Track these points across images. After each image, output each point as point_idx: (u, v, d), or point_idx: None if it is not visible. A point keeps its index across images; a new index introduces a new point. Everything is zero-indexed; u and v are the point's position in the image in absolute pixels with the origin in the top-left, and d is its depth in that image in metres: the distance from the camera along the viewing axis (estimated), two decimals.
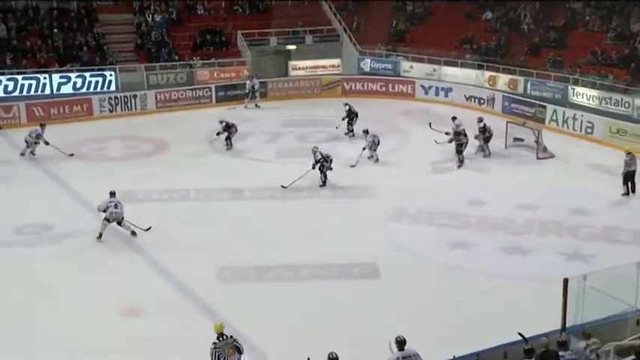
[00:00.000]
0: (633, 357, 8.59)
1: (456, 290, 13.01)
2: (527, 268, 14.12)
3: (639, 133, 21.60)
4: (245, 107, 26.93)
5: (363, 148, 20.30)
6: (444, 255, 14.66)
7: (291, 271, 13.89)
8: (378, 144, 20.44)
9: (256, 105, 27.22)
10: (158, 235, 15.39)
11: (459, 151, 20.17)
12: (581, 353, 9.48)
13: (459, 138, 20.18)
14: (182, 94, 27.33)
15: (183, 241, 15.24)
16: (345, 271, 13.94)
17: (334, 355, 9.14)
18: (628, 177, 17.88)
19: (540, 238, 15.41)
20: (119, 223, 15.22)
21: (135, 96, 26.46)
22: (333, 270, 13.98)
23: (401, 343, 9.42)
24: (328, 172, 18.48)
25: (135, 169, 19.94)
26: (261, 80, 28.08)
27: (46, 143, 20.55)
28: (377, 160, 20.36)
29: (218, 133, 21.73)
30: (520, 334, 9.77)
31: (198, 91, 27.69)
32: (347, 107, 23.47)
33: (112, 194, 15.39)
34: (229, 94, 28.05)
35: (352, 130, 23.15)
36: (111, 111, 26.09)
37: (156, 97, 26.85)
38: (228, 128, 21.62)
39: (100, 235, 15.16)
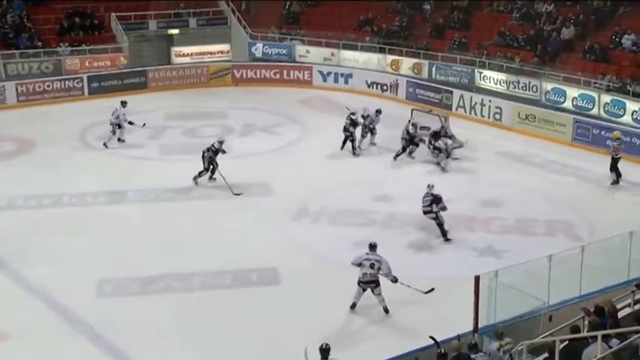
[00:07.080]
0: (546, 355, 9.00)
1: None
2: (437, 266, 14.54)
3: (549, 119, 22.68)
4: None
5: None
6: (349, 256, 14.79)
7: (181, 281, 13.76)
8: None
9: None
10: (25, 247, 14.89)
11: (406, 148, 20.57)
12: (494, 354, 9.87)
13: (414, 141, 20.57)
14: (48, 86, 26.56)
15: (55, 252, 14.78)
16: (242, 277, 13.94)
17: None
18: (615, 163, 18.61)
19: (451, 234, 15.89)
20: None
21: None
22: (229, 277, 13.97)
23: (325, 352, 9.69)
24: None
25: None
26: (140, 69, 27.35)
27: None
28: None
29: None
30: (432, 338, 10.07)
31: (67, 81, 26.97)
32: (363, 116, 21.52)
33: None
34: (104, 84, 27.44)
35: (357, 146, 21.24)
36: None
37: (17, 90, 26.00)
38: None
39: None
